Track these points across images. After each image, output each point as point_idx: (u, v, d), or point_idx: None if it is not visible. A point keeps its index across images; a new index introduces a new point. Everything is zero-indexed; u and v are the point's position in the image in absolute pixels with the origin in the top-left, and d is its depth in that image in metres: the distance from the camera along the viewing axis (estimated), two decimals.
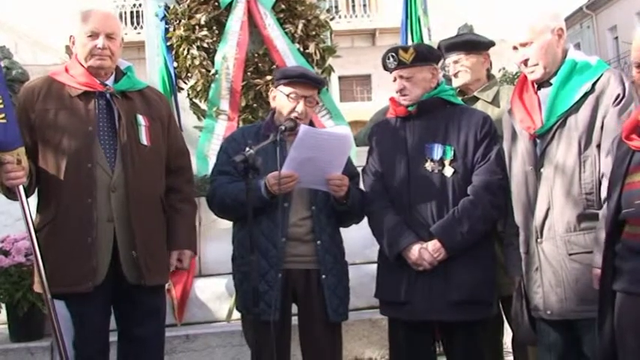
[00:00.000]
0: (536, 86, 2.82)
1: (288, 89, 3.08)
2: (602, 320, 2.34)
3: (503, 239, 3.16)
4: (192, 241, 3.13)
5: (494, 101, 3.57)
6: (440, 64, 3.52)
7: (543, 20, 2.75)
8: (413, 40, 5.89)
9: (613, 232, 2.32)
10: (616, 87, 2.61)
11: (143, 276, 2.85)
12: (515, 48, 2.79)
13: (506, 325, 3.51)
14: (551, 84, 2.75)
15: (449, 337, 3.04)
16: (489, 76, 3.76)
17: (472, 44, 3.70)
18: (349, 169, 3.11)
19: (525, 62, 2.75)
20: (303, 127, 2.89)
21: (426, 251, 2.90)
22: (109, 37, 2.90)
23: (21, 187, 2.69)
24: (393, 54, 3.07)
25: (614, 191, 2.33)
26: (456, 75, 3.69)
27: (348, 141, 2.99)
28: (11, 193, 2.75)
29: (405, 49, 3.08)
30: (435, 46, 3.69)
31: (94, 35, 2.88)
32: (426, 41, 5.79)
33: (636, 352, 2.23)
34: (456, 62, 3.66)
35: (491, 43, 3.78)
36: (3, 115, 2.62)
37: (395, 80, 3.10)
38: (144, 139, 2.94)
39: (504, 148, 2.95)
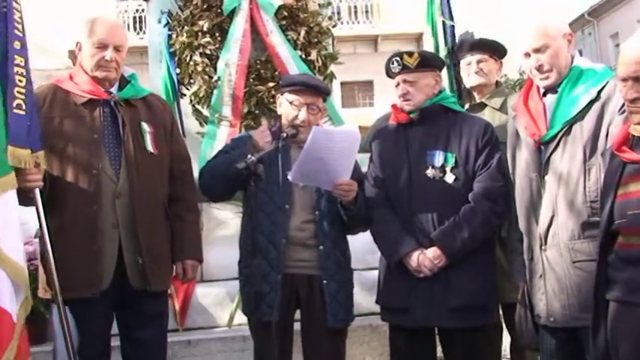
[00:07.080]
0: (542, 92, 2.79)
1: (291, 97, 3.09)
2: (596, 329, 2.33)
3: (507, 245, 3.17)
4: (198, 250, 3.16)
5: (502, 109, 3.54)
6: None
7: (556, 25, 2.73)
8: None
9: (605, 242, 2.32)
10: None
11: (148, 282, 2.88)
12: (527, 55, 2.74)
13: (504, 330, 3.52)
14: (557, 91, 2.72)
15: (449, 344, 3.05)
16: (497, 84, 3.76)
17: (500, 48, 3.69)
18: (358, 175, 3.10)
19: (539, 68, 2.71)
20: (314, 129, 2.87)
21: (426, 258, 2.91)
22: (116, 49, 2.92)
23: (37, 191, 2.70)
24: (398, 58, 3.07)
25: (607, 202, 2.32)
26: (469, 74, 3.65)
27: (357, 137, 2.93)
28: (25, 198, 2.75)
29: (410, 53, 3.09)
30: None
31: (102, 47, 2.90)
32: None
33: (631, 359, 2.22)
34: (479, 62, 3.62)
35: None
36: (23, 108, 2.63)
37: (397, 85, 3.10)
38: (150, 146, 2.96)
39: (508, 154, 2.94)
